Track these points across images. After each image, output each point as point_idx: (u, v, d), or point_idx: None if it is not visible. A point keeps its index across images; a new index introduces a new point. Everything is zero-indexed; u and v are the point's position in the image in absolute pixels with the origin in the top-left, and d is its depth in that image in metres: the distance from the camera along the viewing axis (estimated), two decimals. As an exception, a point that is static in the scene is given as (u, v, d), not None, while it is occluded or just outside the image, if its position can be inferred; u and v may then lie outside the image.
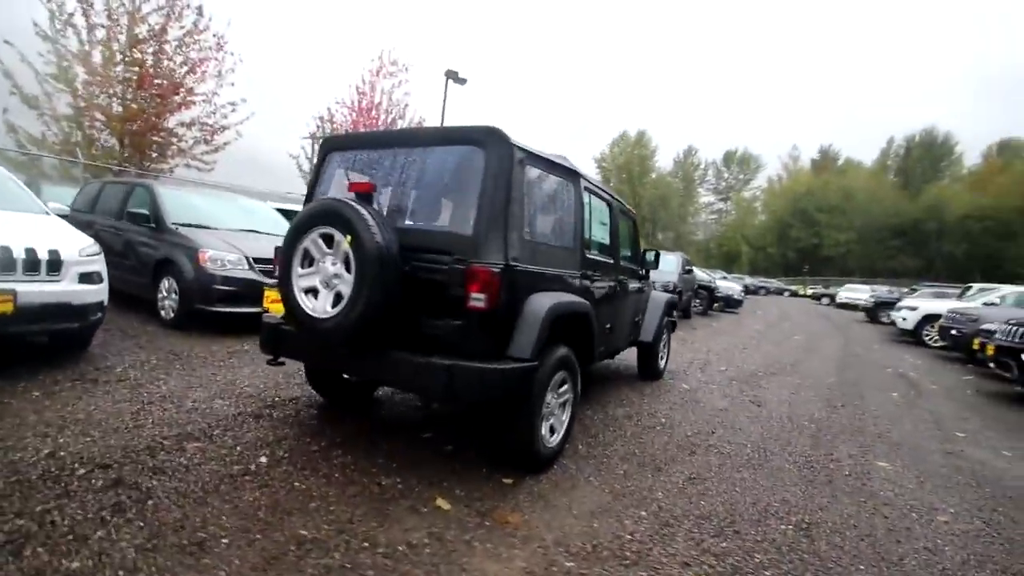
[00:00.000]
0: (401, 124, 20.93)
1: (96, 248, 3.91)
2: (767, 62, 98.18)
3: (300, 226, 2.55)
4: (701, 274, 15.36)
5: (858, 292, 25.10)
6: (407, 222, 2.73)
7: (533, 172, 2.71)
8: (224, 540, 1.94)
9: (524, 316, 2.51)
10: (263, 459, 2.63)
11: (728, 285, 16.96)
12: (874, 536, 2.54)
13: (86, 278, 3.70)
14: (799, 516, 2.66)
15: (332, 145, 3.17)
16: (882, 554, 2.37)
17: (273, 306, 3.04)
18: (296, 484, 2.43)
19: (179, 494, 2.22)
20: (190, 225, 5.65)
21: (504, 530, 2.24)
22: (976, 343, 8.32)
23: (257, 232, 6.21)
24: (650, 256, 4.75)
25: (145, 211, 5.66)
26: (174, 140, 13.05)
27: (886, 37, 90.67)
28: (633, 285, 4.41)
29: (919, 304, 12.29)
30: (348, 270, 2.42)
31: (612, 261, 3.83)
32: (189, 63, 12.54)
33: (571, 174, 3.15)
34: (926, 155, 51.12)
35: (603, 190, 3.80)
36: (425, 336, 2.52)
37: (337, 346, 2.49)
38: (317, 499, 2.31)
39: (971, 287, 13.55)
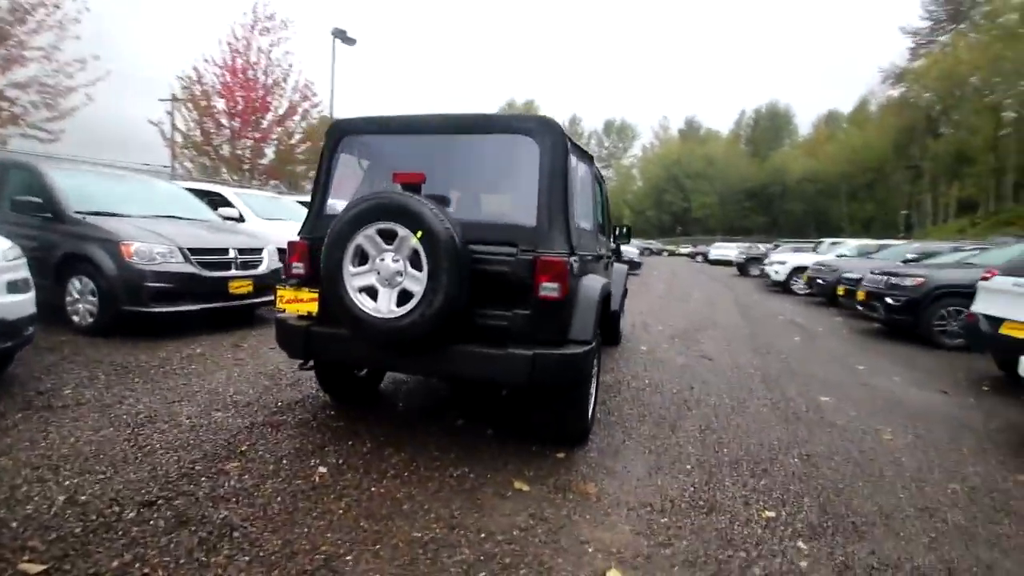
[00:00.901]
0: (284, 87, 19.03)
1: (18, 249, 3.22)
2: (643, 38, 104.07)
3: (353, 222, 2.37)
4: (607, 240, 16.38)
5: (727, 249, 28.51)
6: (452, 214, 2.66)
7: (573, 160, 2.78)
8: (348, 556, 1.87)
9: (580, 300, 2.62)
10: (322, 469, 2.49)
11: (628, 249, 18.28)
12: (854, 457, 3.12)
13: (14, 287, 3.06)
14: (798, 449, 3.17)
15: (346, 129, 2.92)
16: (867, 471, 2.94)
17: (291, 306, 2.80)
18: (373, 489, 2.35)
19: (262, 519, 2.06)
20: (98, 213, 4.81)
21: (589, 501, 2.41)
22: (841, 290, 10.04)
23: (179, 218, 5.47)
24: (622, 231, 5.07)
25: (36, 198, 4.68)
26: (5, 105, 10.66)
27: (741, 20, 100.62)
28: (613, 259, 4.70)
29: (787, 258, 14.38)
30: (416, 267, 2.34)
31: (606, 238, 4.05)
32: (17, 10, 10.19)
33: (589, 159, 3.26)
34: (771, 125, 58.42)
35: (599, 172, 3.97)
36: (480, 327, 2.52)
37: (407, 345, 2.40)
38: (405, 500, 2.27)
39: (823, 241, 16.14)
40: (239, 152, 17.67)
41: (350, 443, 2.81)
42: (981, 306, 5.36)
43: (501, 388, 2.96)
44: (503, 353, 2.39)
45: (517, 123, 2.60)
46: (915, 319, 7.04)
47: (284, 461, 2.55)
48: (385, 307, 2.38)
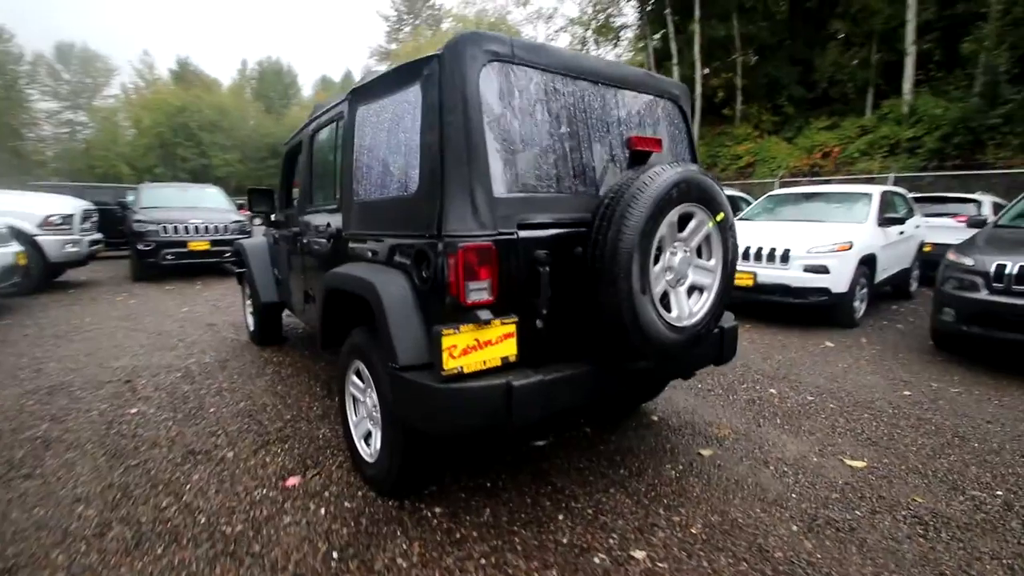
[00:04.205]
0: None
1: None
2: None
3: (661, 204, 1.64)
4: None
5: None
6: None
7: None
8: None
9: None
10: (640, 553, 1.77)
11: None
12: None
13: None
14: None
15: (495, 50, 1.70)
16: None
17: (472, 358, 1.63)
18: (681, 533, 1.93)
19: None
20: None
21: (742, 438, 2.79)
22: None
23: None
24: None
25: None
26: None
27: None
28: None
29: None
30: (704, 256, 1.92)
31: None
32: None
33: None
34: (277, 82, 57.70)
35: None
36: None
37: (691, 352, 1.94)
38: (700, 532, 2.02)
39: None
40: None
41: (551, 531, 2.00)
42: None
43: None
44: (725, 328, 2.34)
45: (666, 86, 2.31)
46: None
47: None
48: (686, 311, 1.86)
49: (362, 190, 2.22)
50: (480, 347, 1.64)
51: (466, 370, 1.61)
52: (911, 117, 13.96)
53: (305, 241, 2.98)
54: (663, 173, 1.72)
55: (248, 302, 4.66)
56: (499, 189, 1.71)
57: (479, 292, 1.63)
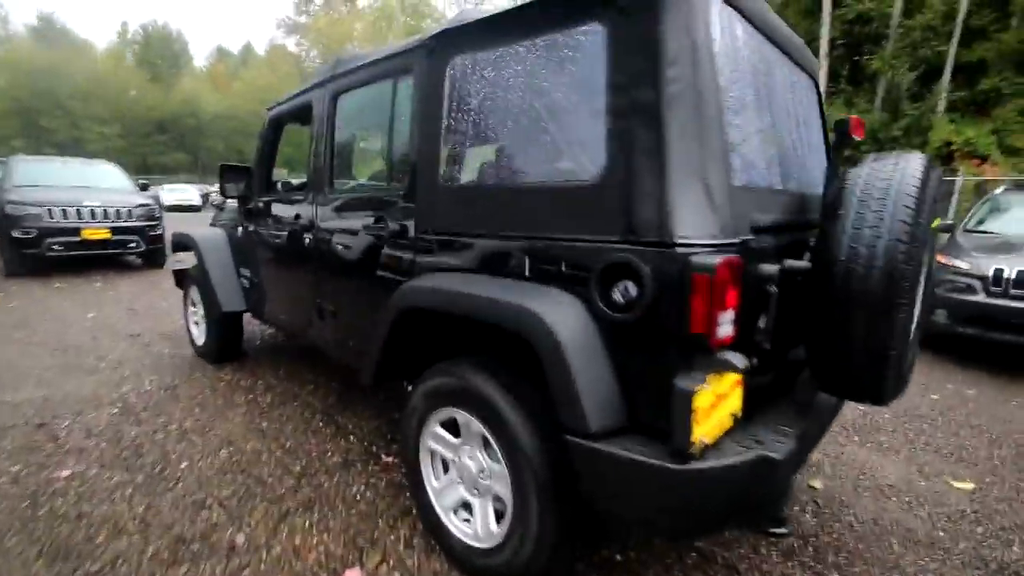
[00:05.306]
0: None
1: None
2: None
3: (933, 207, 1.24)
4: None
5: (186, 193, 24.67)
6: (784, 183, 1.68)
7: None
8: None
9: None
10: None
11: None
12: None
13: None
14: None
15: None
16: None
17: (712, 421, 1.15)
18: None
19: None
20: None
21: (826, 461, 2.55)
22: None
23: None
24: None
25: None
26: None
27: None
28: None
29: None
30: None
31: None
32: None
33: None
34: (165, 49, 51.38)
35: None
36: None
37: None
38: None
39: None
40: None
41: None
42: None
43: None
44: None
45: (811, 59, 1.92)
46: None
47: None
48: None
49: (460, 173, 1.61)
50: (717, 404, 1.15)
51: (709, 440, 1.12)
52: (824, 126, 15.16)
53: (325, 238, 2.26)
54: (932, 166, 1.33)
55: (193, 308, 3.73)
56: (736, 177, 1.23)
57: (726, 326, 1.14)
